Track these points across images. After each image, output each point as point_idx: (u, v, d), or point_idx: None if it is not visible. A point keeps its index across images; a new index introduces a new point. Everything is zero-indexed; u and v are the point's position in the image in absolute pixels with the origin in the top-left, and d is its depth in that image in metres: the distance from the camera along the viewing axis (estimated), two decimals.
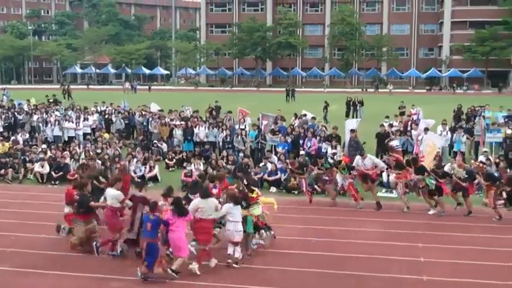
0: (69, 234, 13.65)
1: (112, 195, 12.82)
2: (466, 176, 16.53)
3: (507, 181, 16.47)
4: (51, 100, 40.57)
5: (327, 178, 17.87)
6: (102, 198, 13.50)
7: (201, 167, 20.40)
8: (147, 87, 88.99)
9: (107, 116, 31.49)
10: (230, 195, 12.65)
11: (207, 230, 12.16)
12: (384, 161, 18.53)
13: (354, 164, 17.70)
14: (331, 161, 19.51)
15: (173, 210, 11.71)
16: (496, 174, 17.28)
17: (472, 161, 19.91)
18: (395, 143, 19.88)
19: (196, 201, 12.30)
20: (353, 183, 17.57)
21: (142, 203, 12.40)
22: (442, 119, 25.53)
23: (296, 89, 71.62)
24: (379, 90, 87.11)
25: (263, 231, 13.41)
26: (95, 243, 12.96)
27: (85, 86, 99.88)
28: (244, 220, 12.52)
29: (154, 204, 11.83)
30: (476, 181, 16.98)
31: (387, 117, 27.72)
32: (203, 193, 12.36)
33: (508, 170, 18.95)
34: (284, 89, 70.07)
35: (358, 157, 17.95)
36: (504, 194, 16.74)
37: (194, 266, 11.74)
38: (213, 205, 12.19)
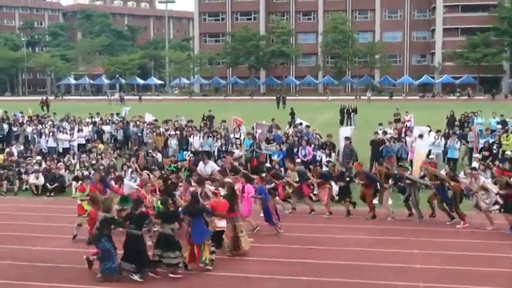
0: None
1: None
2: (298, 177, 17.88)
3: (337, 178, 17.69)
4: None
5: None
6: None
7: None
8: (137, 97, 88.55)
9: (99, 127, 31.45)
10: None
11: None
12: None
13: (198, 169, 18.82)
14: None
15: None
16: (326, 173, 18.13)
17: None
18: (237, 152, 21.73)
19: None
20: None
21: None
22: (426, 124, 25.67)
23: (288, 97, 72.28)
24: (393, 97, 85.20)
25: None
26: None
27: (79, 97, 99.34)
28: None
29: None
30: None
31: (380, 124, 27.78)
32: None
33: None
34: (275, 97, 70.84)
35: (200, 163, 19.28)
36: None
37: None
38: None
